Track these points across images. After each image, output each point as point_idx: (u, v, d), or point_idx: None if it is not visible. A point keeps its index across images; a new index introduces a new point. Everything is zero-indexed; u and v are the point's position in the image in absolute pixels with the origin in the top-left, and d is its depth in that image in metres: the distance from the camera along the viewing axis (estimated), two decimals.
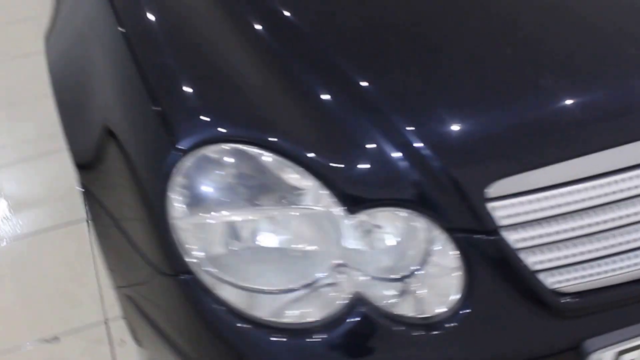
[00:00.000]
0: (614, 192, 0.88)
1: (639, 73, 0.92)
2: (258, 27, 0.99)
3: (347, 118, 0.89)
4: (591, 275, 0.90)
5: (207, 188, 0.86)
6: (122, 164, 0.93)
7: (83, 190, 1.07)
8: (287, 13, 1.00)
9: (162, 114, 0.89)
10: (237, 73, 0.93)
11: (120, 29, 1.01)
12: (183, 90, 0.91)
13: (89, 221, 1.79)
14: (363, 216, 0.86)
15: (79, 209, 1.89)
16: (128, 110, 0.95)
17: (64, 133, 1.12)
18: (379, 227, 0.88)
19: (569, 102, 0.89)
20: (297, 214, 0.86)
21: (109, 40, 1.03)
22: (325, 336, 0.85)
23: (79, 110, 1.08)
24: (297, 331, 0.86)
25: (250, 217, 0.86)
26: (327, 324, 0.86)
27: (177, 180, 0.85)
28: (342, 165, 0.86)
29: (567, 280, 0.89)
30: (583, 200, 0.87)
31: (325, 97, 0.91)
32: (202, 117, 0.87)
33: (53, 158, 2.09)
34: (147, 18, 1.01)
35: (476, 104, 0.90)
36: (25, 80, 2.48)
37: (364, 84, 0.91)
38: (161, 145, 0.87)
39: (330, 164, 0.85)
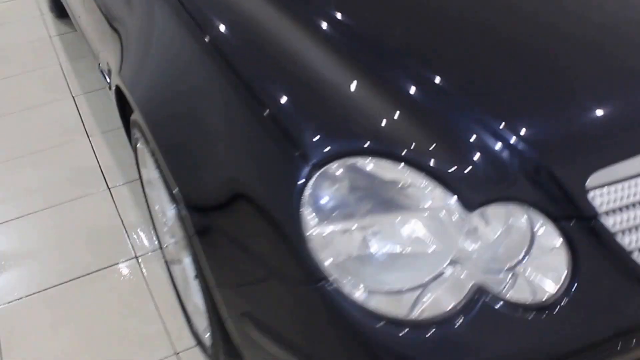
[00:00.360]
0: None
1: None
2: (353, 44, 1.08)
3: (454, 124, 0.98)
4: None
5: (336, 200, 0.93)
6: (251, 196, 0.99)
7: (199, 230, 1.11)
8: (373, 25, 1.10)
9: (289, 138, 0.96)
10: (344, 91, 1.02)
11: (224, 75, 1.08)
12: (305, 113, 0.98)
13: (138, 258, 1.85)
14: (477, 213, 0.95)
15: (123, 248, 1.93)
16: (254, 145, 1.01)
17: (172, 177, 1.16)
18: (491, 221, 0.96)
19: None
20: (421, 216, 0.94)
21: (214, 89, 1.10)
22: (453, 326, 0.92)
23: (193, 160, 1.12)
24: (429, 324, 0.92)
25: (376, 224, 0.93)
26: (454, 315, 0.93)
27: (309, 194, 0.92)
28: (458, 168, 0.94)
29: None
30: None
31: (429, 104, 1.00)
32: (326, 136, 0.94)
33: (83, 202, 2.12)
34: (249, 58, 1.08)
35: (573, 104, 1.00)
36: (40, 130, 2.51)
37: (467, 89, 1.00)
38: (291, 166, 0.93)
39: (448, 169, 0.93)
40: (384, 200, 0.93)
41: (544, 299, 0.96)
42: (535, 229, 0.97)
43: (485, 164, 0.95)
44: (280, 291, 0.98)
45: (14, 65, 3.01)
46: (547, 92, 1.01)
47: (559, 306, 0.95)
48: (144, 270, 1.85)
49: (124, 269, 1.87)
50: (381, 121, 0.98)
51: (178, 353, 1.62)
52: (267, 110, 1.00)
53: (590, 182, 0.96)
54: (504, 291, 0.95)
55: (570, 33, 1.11)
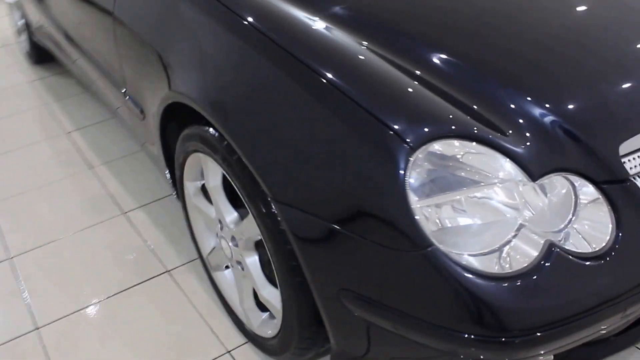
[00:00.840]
0: None
1: None
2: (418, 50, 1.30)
3: (512, 108, 1.20)
4: None
5: (432, 177, 1.11)
6: (349, 183, 1.15)
7: (293, 223, 1.26)
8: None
9: (386, 129, 1.13)
10: (419, 89, 1.22)
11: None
12: (394, 107, 1.17)
13: (170, 271, 1.93)
14: (540, 182, 1.15)
15: (152, 264, 2.02)
16: (349, 137, 1.17)
17: (260, 177, 1.30)
18: (549, 188, 1.17)
19: None
20: (497, 187, 1.13)
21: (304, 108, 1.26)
22: (538, 275, 1.10)
23: (281, 158, 1.26)
24: (519, 276, 1.10)
25: (464, 196, 1.12)
26: (536, 267, 1.11)
27: (411, 174, 1.10)
28: (522, 145, 1.15)
29: None
30: None
31: (488, 93, 1.22)
32: (417, 124, 1.13)
33: (102, 227, 2.21)
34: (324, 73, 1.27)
35: (603, 85, 1.24)
36: (41, 166, 2.58)
37: (516, 77, 1.24)
38: (390, 152, 1.11)
39: (515, 146, 1.14)
40: (468, 176, 1.12)
41: (598, 249, 1.16)
42: (581, 192, 1.18)
43: (540, 140, 1.17)
44: (387, 262, 1.13)
45: (1, 109, 3.05)
46: (580, 75, 1.26)
47: (612, 253, 1.16)
48: (178, 282, 1.95)
49: (158, 282, 1.96)
50: (456, 109, 1.17)
51: (230, 351, 1.72)
52: (359, 108, 1.18)
53: (622, 149, 1.19)
54: (568, 244, 1.15)
55: (592, 24, 1.38)
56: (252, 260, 1.55)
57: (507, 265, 1.11)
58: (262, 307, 1.63)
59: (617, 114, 1.23)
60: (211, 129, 1.45)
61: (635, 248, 1.18)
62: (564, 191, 1.18)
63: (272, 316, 1.62)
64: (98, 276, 2.01)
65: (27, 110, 3.04)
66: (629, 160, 1.20)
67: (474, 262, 1.10)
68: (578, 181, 1.18)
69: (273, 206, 1.30)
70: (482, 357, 1.14)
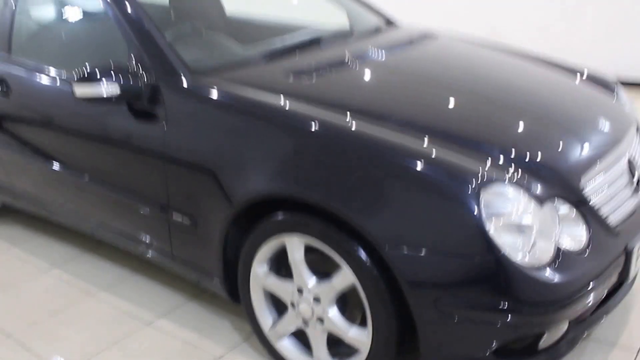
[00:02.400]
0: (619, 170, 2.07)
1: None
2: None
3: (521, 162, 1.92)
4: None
5: (494, 205, 1.76)
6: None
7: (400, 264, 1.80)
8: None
9: (462, 178, 1.78)
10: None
11: None
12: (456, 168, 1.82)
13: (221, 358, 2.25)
14: (544, 207, 1.84)
15: (202, 356, 2.33)
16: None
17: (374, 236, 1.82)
18: (547, 209, 1.85)
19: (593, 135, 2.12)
20: (523, 211, 1.80)
21: None
22: (556, 264, 1.77)
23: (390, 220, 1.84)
24: (546, 266, 1.76)
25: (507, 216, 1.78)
26: (554, 259, 1.78)
27: (482, 205, 1.73)
28: (532, 187, 1.85)
29: (615, 214, 1.99)
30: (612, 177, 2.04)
31: (496, 155, 1.92)
32: (477, 175, 1.79)
33: (136, 338, 2.45)
34: None
35: (561, 142, 2.04)
36: (41, 300, 2.75)
37: (509, 144, 1.97)
38: (465, 191, 1.75)
39: (528, 187, 1.84)
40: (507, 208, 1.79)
41: (581, 247, 1.87)
42: (564, 212, 1.89)
43: (537, 181, 1.87)
44: (464, 268, 1.73)
45: None
46: (552, 141, 2.04)
47: (589, 247, 1.87)
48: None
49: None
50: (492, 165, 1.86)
51: None
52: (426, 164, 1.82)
53: (583, 181, 1.95)
54: (564, 246, 1.84)
55: (548, 104, 2.26)
56: (334, 312, 2.01)
57: (538, 260, 1.77)
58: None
59: (574, 160, 2.01)
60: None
61: (598, 241, 1.90)
62: (556, 211, 1.88)
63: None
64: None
65: None
66: (588, 187, 1.96)
67: (523, 258, 1.75)
68: (562, 206, 1.89)
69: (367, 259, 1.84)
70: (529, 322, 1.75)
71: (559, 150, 2.04)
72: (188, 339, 2.43)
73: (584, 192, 1.94)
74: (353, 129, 1.99)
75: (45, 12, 3.14)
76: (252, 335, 2.35)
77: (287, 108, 2.11)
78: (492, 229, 1.73)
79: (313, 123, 2.01)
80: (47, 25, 3.15)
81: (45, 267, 3.02)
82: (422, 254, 1.77)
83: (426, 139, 1.95)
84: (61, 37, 3.08)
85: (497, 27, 5.40)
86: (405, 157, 1.86)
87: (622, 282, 2.04)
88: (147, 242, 2.55)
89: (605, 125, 2.23)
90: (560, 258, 1.81)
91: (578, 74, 2.66)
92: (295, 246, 2.03)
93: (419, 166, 1.82)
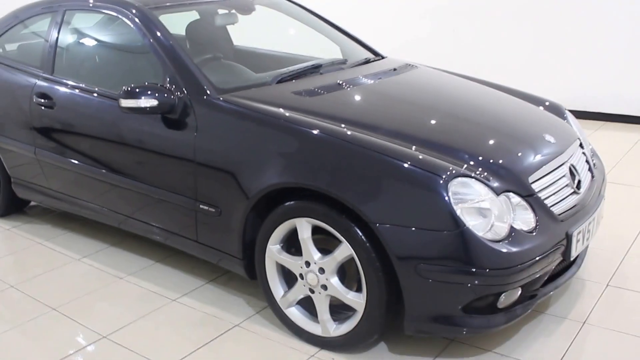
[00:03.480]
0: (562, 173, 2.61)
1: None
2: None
3: (476, 159, 2.45)
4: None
5: (460, 193, 2.28)
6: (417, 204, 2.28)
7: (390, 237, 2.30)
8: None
9: (432, 173, 2.30)
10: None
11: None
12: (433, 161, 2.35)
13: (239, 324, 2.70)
14: (499, 197, 2.37)
15: (222, 325, 2.79)
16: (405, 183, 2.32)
17: (372, 219, 2.34)
18: (501, 199, 2.38)
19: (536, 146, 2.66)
20: (484, 198, 2.33)
21: None
22: (510, 239, 2.30)
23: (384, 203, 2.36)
24: (503, 240, 2.28)
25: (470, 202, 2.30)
26: (508, 234, 2.31)
27: (450, 193, 2.25)
28: (488, 179, 2.38)
29: (558, 206, 2.53)
30: (555, 177, 2.58)
31: (461, 155, 2.45)
32: (447, 166, 2.32)
33: (163, 312, 2.89)
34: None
35: (511, 148, 2.57)
36: (74, 283, 3.20)
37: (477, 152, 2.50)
38: (437, 182, 2.27)
39: (486, 179, 2.38)
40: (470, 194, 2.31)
41: (530, 228, 2.39)
42: (517, 202, 2.42)
43: (495, 177, 2.41)
44: (438, 240, 2.23)
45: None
46: (506, 146, 2.59)
47: (536, 229, 2.40)
48: (249, 329, 2.75)
49: (233, 333, 2.74)
50: (459, 164, 2.38)
51: (312, 355, 2.58)
52: (408, 163, 2.33)
53: (531, 179, 2.49)
54: (517, 227, 2.36)
55: (501, 117, 2.78)
56: (335, 280, 2.51)
57: (495, 235, 2.29)
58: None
59: (525, 163, 2.55)
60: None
61: (544, 227, 2.43)
62: (509, 201, 2.41)
63: (341, 322, 2.55)
64: (182, 336, 2.72)
65: (24, 249, 3.58)
66: (537, 183, 2.50)
67: (485, 235, 2.26)
68: (514, 196, 2.43)
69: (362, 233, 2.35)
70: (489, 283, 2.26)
71: (513, 155, 2.58)
72: (209, 312, 2.90)
73: (531, 187, 2.48)
74: (349, 133, 2.51)
75: (83, 40, 3.65)
76: (264, 309, 2.84)
77: (295, 117, 2.63)
78: (459, 210, 2.25)
79: (316, 129, 2.53)
80: (85, 50, 3.67)
81: (77, 257, 3.47)
82: (406, 231, 2.28)
83: (408, 145, 2.48)
84: (98, 60, 3.60)
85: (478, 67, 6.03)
86: (393, 156, 2.38)
87: (565, 261, 2.56)
88: (174, 231, 3.02)
89: (551, 139, 2.79)
90: (514, 235, 2.33)
91: (535, 101, 3.24)
92: (304, 227, 2.53)
93: (404, 164, 2.34)
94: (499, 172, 2.45)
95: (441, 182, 2.28)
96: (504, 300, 2.36)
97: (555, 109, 3.21)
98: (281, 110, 2.71)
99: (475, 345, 2.56)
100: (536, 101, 3.25)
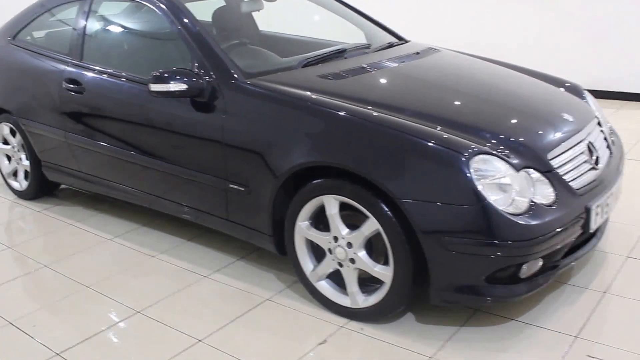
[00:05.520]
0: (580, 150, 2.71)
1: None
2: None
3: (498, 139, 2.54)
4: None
5: (481, 169, 2.38)
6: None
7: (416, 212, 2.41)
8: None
9: (454, 150, 2.39)
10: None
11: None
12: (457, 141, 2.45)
13: (270, 299, 2.82)
14: (520, 172, 2.47)
15: (253, 299, 2.91)
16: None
17: (397, 195, 2.43)
18: (522, 174, 2.48)
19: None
20: (505, 174, 2.42)
21: None
22: (532, 213, 2.39)
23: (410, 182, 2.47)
24: (523, 213, 2.37)
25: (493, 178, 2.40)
26: (530, 208, 2.40)
27: (473, 169, 2.35)
28: (510, 156, 2.47)
29: (577, 181, 2.62)
30: (574, 154, 2.68)
31: (482, 134, 2.54)
32: (469, 144, 2.41)
33: (197, 287, 3.02)
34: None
35: (533, 127, 2.66)
36: (113, 260, 3.33)
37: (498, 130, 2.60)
38: (460, 159, 2.36)
39: (508, 156, 2.47)
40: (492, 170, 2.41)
41: (550, 202, 2.49)
42: (535, 176, 2.52)
43: (516, 154, 2.50)
44: (461, 215, 2.33)
45: (39, 227, 3.69)
46: (530, 126, 2.67)
47: (556, 203, 2.49)
48: (279, 303, 2.87)
49: (265, 307, 2.85)
50: (481, 142, 2.48)
51: (342, 327, 2.69)
52: (432, 142, 2.43)
53: (550, 156, 2.58)
54: (537, 201, 2.46)
55: (526, 99, 2.86)
56: (363, 254, 2.61)
57: (517, 209, 2.39)
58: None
59: (544, 141, 2.64)
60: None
61: (564, 199, 2.53)
62: (530, 176, 2.51)
63: (369, 294, 2.65)
64: (215, 310, 2.84)
65: (56, 230, 3.71)
66: (554, 159, 2.59)
67: (506, 209, 2.36)
68: (533, 172, 2.52)
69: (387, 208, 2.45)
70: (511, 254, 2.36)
71: (532, 133, 2.67)
72: (240, 287, 3.01)
73: (550, 163, 2.57)
74: (375, 114, 2.61)
75: (111, 28, 3.76)
76: (294, 284, 2.95)
77: (322, 100, 2.73)
78: (481, 186, 2.35)
79: (342, 111, 2.63)
80: (113, 37, 3.78)
81: (109, 237, 3.60)
82: (430, 206, 2.38)
83: (432, 125, 2.57)
84: (126, 47, 3.71)
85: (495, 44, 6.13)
86: (418, 135, 2.48)
87: (585, 233, 2.65)
88: (205, 210, 3.14)
89: (570, 117, 2.87)
90: (534, 209, 2.42)
91: (555, 82, 3.33)
92: (332, 204, 2.64)
93: (429, 142, 2.44)
94: (519, 149, 2.54)
95: (463, 159, 2.37)
96: (526, 271, 2.46)
97: (575, 90, 3.29)
98: (308, 93, 2.81)
99: (499, 314, 2.66)
100: (556, 82, 3.34)
